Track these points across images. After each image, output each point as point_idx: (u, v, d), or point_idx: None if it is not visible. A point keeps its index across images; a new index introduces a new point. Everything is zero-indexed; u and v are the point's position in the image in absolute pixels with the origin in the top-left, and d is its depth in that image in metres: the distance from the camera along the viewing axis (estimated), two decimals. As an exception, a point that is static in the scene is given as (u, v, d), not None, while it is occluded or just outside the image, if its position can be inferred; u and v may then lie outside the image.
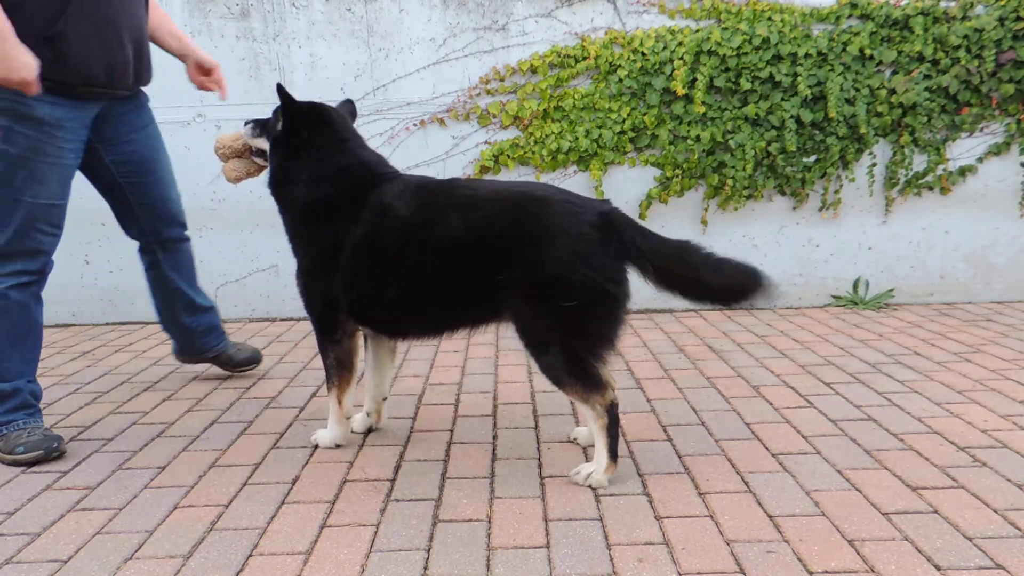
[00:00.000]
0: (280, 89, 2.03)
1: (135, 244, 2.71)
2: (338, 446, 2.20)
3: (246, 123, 2.26)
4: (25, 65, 1.97)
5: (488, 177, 3.98)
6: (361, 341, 2.18)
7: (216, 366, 2.94)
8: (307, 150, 2.07)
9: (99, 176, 2.51)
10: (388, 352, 2.30)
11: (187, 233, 2.74)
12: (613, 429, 1.88)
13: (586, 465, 1.93)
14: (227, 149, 2.27)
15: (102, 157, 2.44)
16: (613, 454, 1.89)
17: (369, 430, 2.33)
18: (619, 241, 1.84)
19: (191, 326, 2.79)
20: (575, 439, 2.20)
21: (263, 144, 2.21)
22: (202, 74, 2.63)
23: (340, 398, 2.15)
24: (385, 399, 2.35)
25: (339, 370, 2.13)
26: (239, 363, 2.94)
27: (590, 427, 1.93)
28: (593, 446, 1.94)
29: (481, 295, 1.92)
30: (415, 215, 1.95)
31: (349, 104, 2.31)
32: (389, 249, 1.97)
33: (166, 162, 2.61)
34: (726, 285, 1.90)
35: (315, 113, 2.11)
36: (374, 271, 1.99)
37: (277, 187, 2.15)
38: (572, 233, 1.82)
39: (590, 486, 1.89)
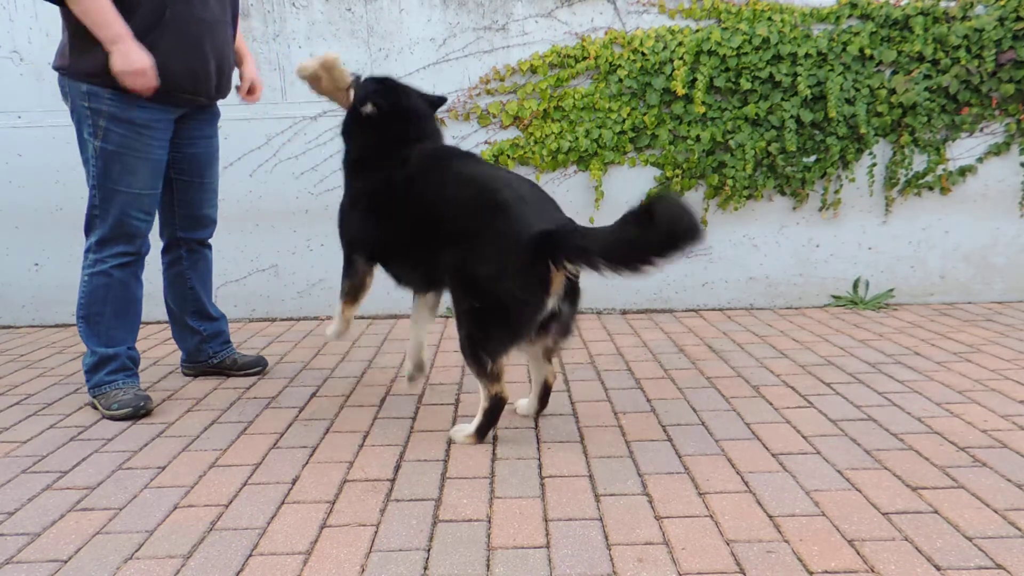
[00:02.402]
0: (357, 80, 2.45)
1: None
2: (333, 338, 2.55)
3: (355, 75, 2.51)
4: (142, 61, 2.29)
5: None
6: (369, 280, 2.50)
7: (219, 371, 2.99)
8: (368, 130, 2.42)
9: None
10: (428, 310, 2.54)
11: (211, 242, 2.92)
12: (490, 415, 2.18)
13: (462, 425, 2.25)
14: (333, 71, 2.43)
15: (168, 153, 2.62)
16: (481, 432, 2.20)
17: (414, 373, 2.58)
18: (552, 257, 1.96)
19: (199, 329, 2.92)
20: (515, 409, 2.46)
21: (349, 93, 2.47)
22: (249, 92, 2.87)
23: (343, 310, 2.51)
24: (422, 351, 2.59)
25: (349, 291, 2.49)
26: (243, 366, 3.00)
27: (480, 404, 2.19)
28: (534, 416, 2.40)
29: (431, 263, 2.20)
30: (414, 174, 2.26)
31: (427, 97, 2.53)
32: (391, 198, 2.29)
33: (216, 172, 2.84)
34: (653, 234, 1.84)
35: (385, 88, 2.46)
36: (379, 216, 2.33)
37: (346, 136, 2.50)
38: (508, 244, 1.99)
39: (449, 438, 2.24)
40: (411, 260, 2.32)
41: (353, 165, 2.47)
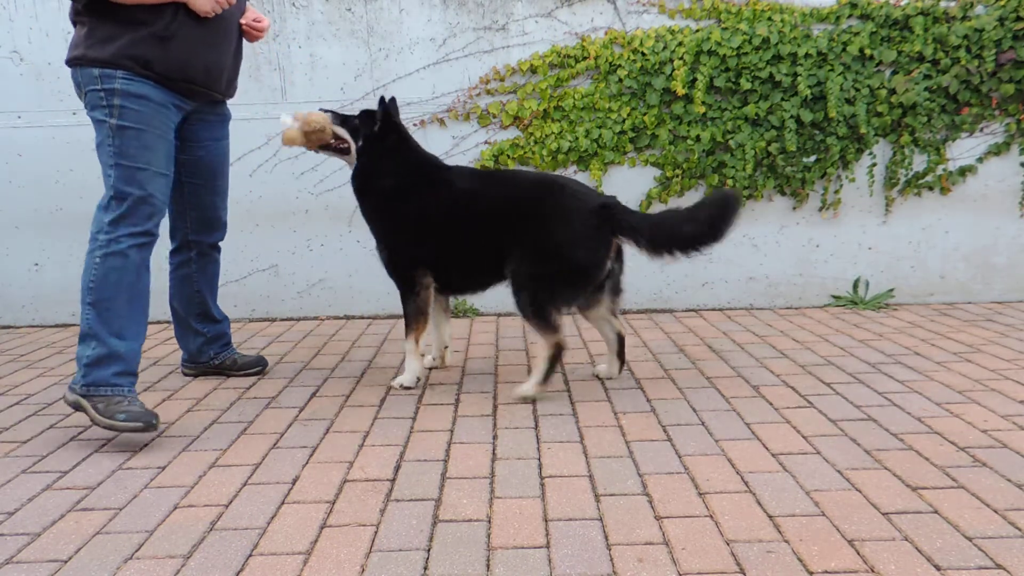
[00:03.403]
0: (383, 101, 2.67)
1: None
2: (413, 385, 2.74)
3: (324, 110, 2.74)
4: None
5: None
6: (432, 294, 2.73)
7: (219, 371, 3.00)
8: (391, 150, 2.70)
9: None
10: (443, 312, 2.93)
11: (220, 244, 2.94)
12: (553, 361, 2.53)
13: (522, 385, 2.59)
14: (311, 126, 2.68)
15: (177, 154, 2.60)
16: (546, 377, 2.55)
17: (431, 369, 3.00)
18: (611, 227, 2.49)
19: (202, 331, 2.93)
20: (596, 374, 2.85)
21: (342, 133, 2.74)
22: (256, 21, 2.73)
23: (417, 339, 2.72)
24: (447, 347, 3.01)
25: (417, 317, 2.71)
26: (243, 366, 3.01)
27: (540, 355, 2.55)
28: (618, 374, 2.82)
29: (491, 258, 2.59)
30: (469, 189, 2.64)
31: (393, 103, 2.75)
32: (450, 214, 2.62)
33: (227, 176, 2.86)
34: (703, 226, 2.48)
35: (395, 123, 2.73)
36: (442, 232, 2.63)
37: (363, 178, 2.72)
38: (578, 215, 2.49)
39: (524, 396, 2.56)
40: (473, 262, 2.67)
41: (394, 193, 2.67)
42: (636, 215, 2.56)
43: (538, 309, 2.49)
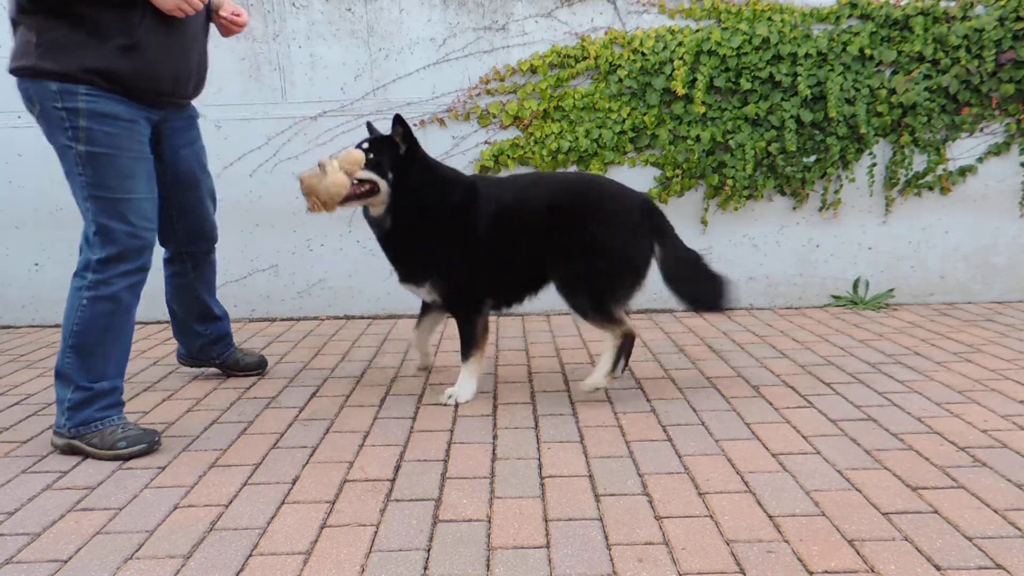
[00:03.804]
0: (399, 120, 2.43)
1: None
2: (471, 399, 2.62)
3: (365, 151, 2.48)
4: None
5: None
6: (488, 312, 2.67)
7: (221, 371, 2.98)
8: (424, 173, 2.53)
9: None
10: (432, 321, 2.91)
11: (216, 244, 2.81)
12: (622, 350, 2.56)
13: (591, 378, 2.57)
14: (340, 187, 2.39)
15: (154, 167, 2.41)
16: (614, 366, 2.55)
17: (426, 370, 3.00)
18: (651, 228, 2.57)
19: (203, 333, 2.86)
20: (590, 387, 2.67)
21: (370, 175, 2.47)
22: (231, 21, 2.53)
23: (480, 359, 2.64)
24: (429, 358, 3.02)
25: (484, 335, 2.63)
26: (245, 367, 2.98)
27: (606, 344, 2.56)
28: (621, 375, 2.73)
29: (544, 254, 2.55)
30: (516, 200, 2.57)
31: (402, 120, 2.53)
32: (499, 228, 2.53)
33: (208, 179, 2.69)
34: (710, 298, 2.66)
35: (416, 141, 2.52)
36: (500, 249, 2.55)
37: (405, 214, 2.51)
38: (626, 214, 2.55)
39: (595, 388, 2.57)
40: (525, 274, 2.62)
41: (446, 219, 2.51)
42: (672, 231, 2.62)
43: (599, 306, 2.50)
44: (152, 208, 2.28)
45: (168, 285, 2.78)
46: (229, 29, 2.51)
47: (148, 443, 2.19)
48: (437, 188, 2.52)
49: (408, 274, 2.62)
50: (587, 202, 2.54)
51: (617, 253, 2.50)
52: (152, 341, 3.64)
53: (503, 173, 3.97)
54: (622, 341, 2.54)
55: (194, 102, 2.58)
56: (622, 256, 2.51)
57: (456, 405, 2.56)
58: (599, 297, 2.50)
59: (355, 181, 2.43)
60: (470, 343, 2.60)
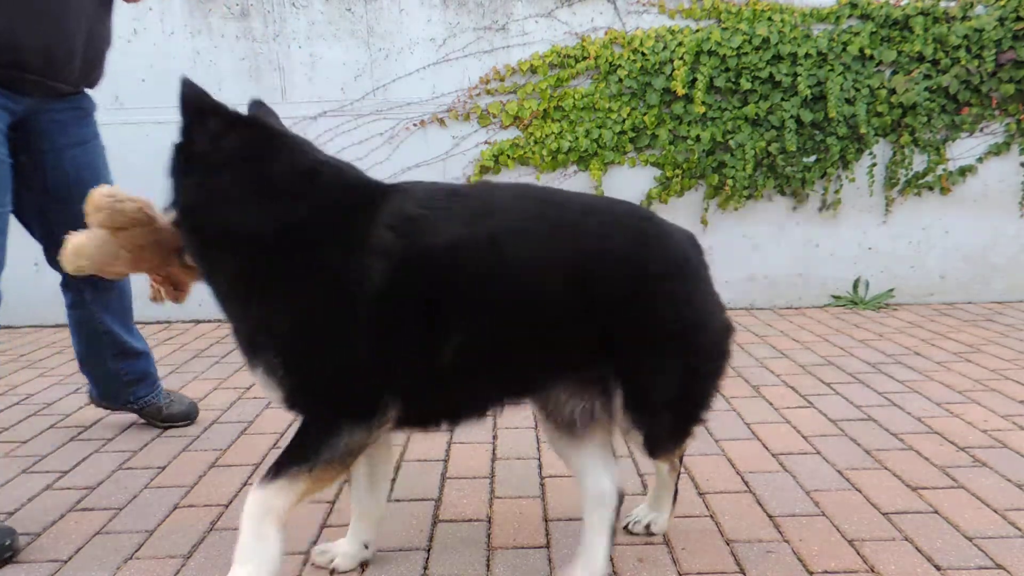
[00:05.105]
0: (185, 83, 1.36)
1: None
2: None
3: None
4: None
5: (488, 178, 3.98)
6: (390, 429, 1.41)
7: (141, 417, 2.43)
8: (246, 159, 1.35)
9: (18, 196, 1.94)
10: (387, 451, 1.60)
11: None
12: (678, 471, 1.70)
13: (661, 522, 1.68)
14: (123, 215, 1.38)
15: (29, 174, 1.93)
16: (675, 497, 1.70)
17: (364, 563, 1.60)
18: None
19: (119, 372, 2.31)
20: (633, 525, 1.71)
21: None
22: None
23: (296, 503, 1.33)
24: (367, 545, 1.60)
25: (329, 467, 1.35)
26: (168, 417, 2.40)
27: (661, 477, 1.67)
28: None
29: (579, 345, 1.37)
30: (474, 230, 1.31)
31: (263, 107, 1.56)
32: (439, 283, 1.30)
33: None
34: None
35: (229, 111, 1.38)
36: (419, 320, 1.30)
37: (196, 221, 1.35)
38: (695, 263, 1.45)
39: (652, 532, 1.67)
40: (497, 371, 1.39)
41: (272, 256, 1.32)
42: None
43: (685, 427, 1.50)
44: (4, 222, 1.81)
45: (68, 320, 2.26)
46: None
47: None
48: (266, 200, 1.33)
49: (241, 345, 1.42)
50: (642, 252, 1.38)
51: (709, 335, 1.44)
52: (151, 342, 3.63)
53: (503, 173, 3.97)
54: (679, 472, 1.71)
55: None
56: (715, 338, 1.45)
57: None
58: (688, 413, 1.47)
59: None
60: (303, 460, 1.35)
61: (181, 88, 1.35)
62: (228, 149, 1.34)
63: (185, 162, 1.36)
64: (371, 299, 1.28)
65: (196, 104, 1.36)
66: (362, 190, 1.39)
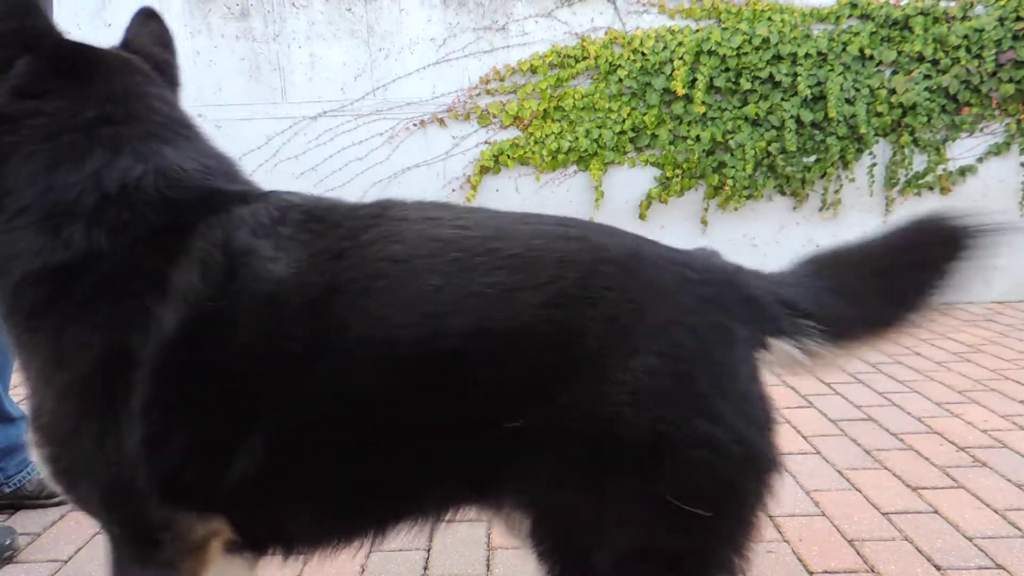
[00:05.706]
0: None
1: None
2: None
3: None
4: None
5: (488, 178, 3.97)
6: (213, 557, 1.01)
7: (12, 506, 1.89)
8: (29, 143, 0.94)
9: None
10: None
11: None
12: None
13: None
14: None
15: None
16: None
17: None
18: (762, 328, 0.98)
19: None
20: None
21: None
22: None
23: None
24: None
25: None
26: (50, 495, 1.85)
27: None
28: None
29: (478, 451, 0.89)
30: (320, 275, 0.89)
31: (156, 23, 1.14)
32: (245, 351, 0.89)
33: None
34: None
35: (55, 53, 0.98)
36: (215, 404, 0.90)
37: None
38: (698, 329, 0.91)
39: None
40: (396, 474, 0.94)
41: (36, 302, 0.93)
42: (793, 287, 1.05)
43: None
44: None
45: None
46: None
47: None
48: (41, 206, 0.93)
49: None
50: (579, 305, 0.87)
51: (715, 456, 0.85)
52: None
53: (503, 173, 3.97)
54: None
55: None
56: (726, 463, 0.85)
57: None
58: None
59: None
60: None
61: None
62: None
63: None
64: (152, 368, 0.88)
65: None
66: (178, 205, 0.94)
